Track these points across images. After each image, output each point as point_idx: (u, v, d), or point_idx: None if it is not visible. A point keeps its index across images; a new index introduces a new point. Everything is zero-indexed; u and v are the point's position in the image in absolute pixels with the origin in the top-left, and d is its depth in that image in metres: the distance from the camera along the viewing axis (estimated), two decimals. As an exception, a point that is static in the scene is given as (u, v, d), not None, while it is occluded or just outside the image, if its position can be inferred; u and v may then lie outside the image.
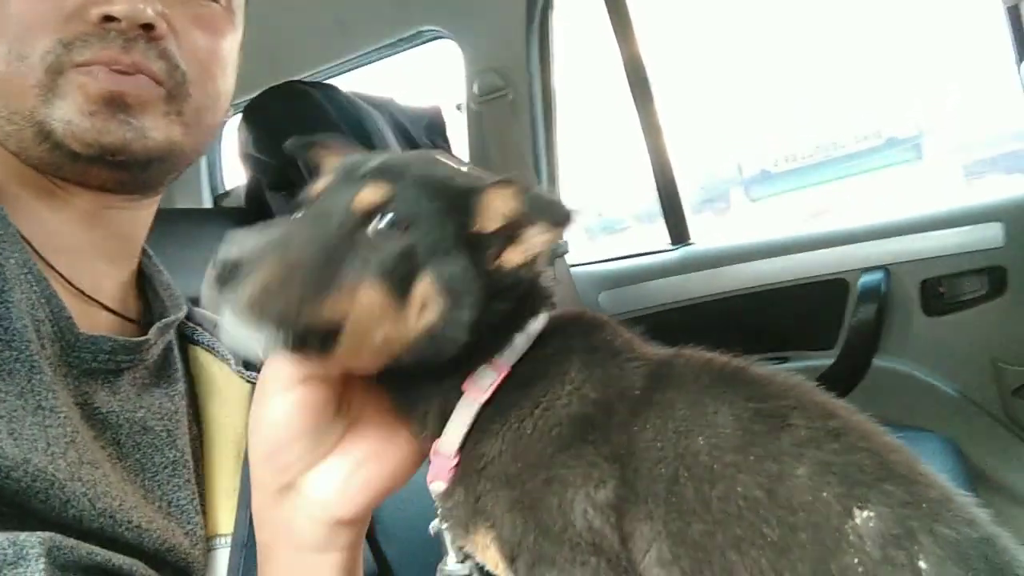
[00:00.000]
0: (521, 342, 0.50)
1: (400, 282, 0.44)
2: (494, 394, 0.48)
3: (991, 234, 1.50)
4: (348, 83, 1.94)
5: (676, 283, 1.76)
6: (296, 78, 1.86)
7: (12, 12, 0.56)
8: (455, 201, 0.46)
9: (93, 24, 0.56)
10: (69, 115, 0.55)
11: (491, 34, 1.81)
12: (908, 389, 1.57)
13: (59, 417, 0.50)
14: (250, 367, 0.71)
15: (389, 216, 0.44)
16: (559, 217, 0.45)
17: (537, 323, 0.51)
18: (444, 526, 0.51)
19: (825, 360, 1.63)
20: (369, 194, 0.45)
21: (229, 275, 0.40)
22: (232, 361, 0.70)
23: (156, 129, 0.59)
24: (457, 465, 0.48)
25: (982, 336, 1.54)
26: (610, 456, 0.45)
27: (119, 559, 0.48)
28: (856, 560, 0.39)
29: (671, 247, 1.86)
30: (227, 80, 0.67)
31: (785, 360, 1.68)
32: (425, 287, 0.44)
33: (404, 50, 1.92)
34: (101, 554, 0.47)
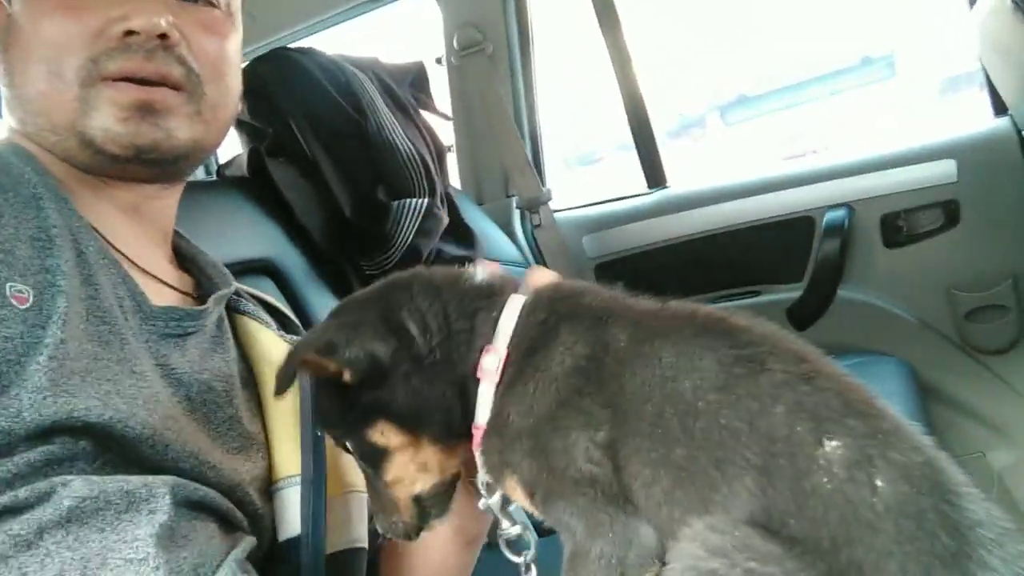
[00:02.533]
0: (507, 324, 0.59)
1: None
2: (503, 371, 0.58)
3: (945, 170, 1.60)
4: (328, 41, 1.97)
5: (654, 225, 1.85)
6: (277, 36, 1.90)
7: (43, 36, 0.65)
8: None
9: (116, 39, 0.65)
10: (106, 124, 0.65)
11: (468, -12, 1.85)
12: (870, 317, 1.69)
13: (147, 379, 0.60)
14: (289, 331, 0.81)
15: None
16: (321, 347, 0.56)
17: (513, 304, 0.60)
18: (487, 479, 0.61)
19: (794, 293, 1.74)
20: None
21: None
22: (275, 327, 0.80)
23: (180, 129, 0.68)
24: (486, 431, 0.58)
25: (938, 266, 1.65)
26: (603, 403, 0.53)
27: (212, 494, 0.59)
28: (825, 479, 0.45)
29: (648, 191, 1.95)
30: (235, 77, 0.76)
31: (757, 294, 1.78)
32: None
33: (384, 5, 1.95)
34: (201, 489, 0.58)
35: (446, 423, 0.60)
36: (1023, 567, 0.44)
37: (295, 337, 0.81)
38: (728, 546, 0.45)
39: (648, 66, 1.95)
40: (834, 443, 0.46)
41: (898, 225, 1.66)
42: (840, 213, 1.68)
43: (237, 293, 0.81)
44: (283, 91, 1.49)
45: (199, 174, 1.69)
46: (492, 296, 0.61)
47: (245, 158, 1.45)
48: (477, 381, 0.59)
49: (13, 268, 0.55)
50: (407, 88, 1.75)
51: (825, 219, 1.69)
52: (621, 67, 1.91)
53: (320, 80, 1.53)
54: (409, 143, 1.54)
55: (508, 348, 0.58)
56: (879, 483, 0.45)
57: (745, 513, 0.47)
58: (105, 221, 0.67)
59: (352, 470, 0.79)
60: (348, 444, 0.62)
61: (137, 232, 0.71)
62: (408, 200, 1.48)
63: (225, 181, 1.44)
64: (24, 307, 0.54)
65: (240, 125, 1.51)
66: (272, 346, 0.78)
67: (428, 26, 2.01)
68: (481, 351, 0.59)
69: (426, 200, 1.50)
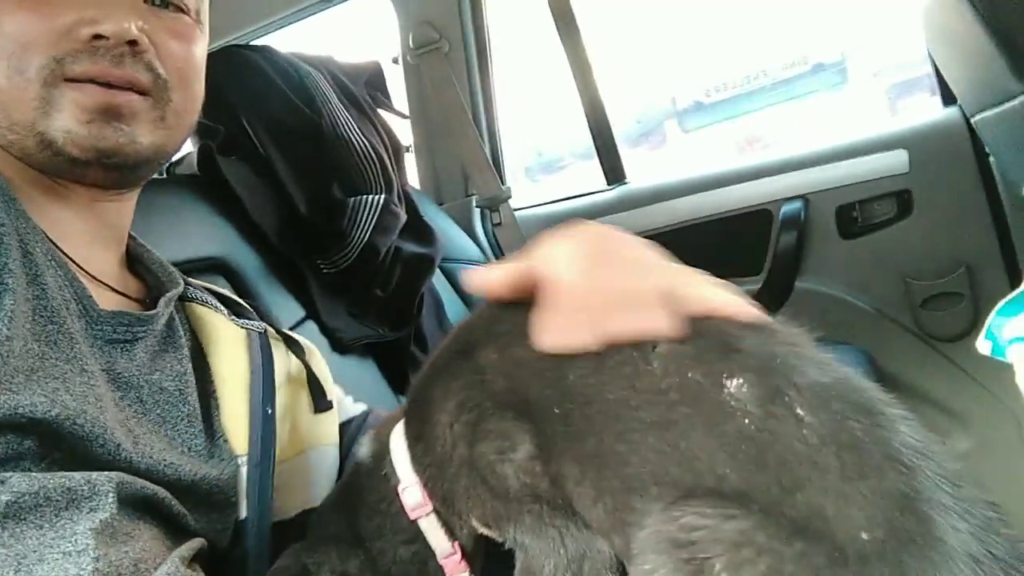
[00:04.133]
0: (400, 455, 0.60)
1: None
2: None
3: (898, 160, 1.62)
4: (283, 40, 1.95)
5: (614, 221, 1.84)
6: (231, 37, 1.87)
7: (7, 31, 0.62)
8: None
9: (84, 42, 0.62)
10: (68, 125, 0.62)
11: (422, -14, 1.84)
12: (828, 306, 1.71)
13: (97, 378, 0.58)
14: (241, 316, 0.80)
15: None
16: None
17: (395, 437, 0.61)
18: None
19: (753, 286, 1.75)
20: None
21: None
22: (225, 312, 0.79)
23: (144, 134, 0.66)
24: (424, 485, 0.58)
25: (893, 255, 1.67)
26: (515, 417, 0.51)
27: (163, 493, 0.56)
28: (747, 421, 0.42)
29: (608, 187, 1.95)
30: (200, 83, 0.75)
31: (717, 287, 1.78)
32: None
33: (336, 5, 1.94)
34: (150, 487, 0.55)
35: None
36: (978, 514, 0.39)
37: (247, 321, 0.80)
38: (690, 520, 0.41)
39: (604, 73, 1.97)
40: (736, 381, 0.43)
41: (853, 216, 1.68)
42: (796, 205, 1.69)
43: (186, 284, 0.79)
44: (235, 88, 1.47)
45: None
46: (381, 454, 0.62)
47: (196, 156, 1.42)
48: (417, 527, 0.59)
49: None
50: (363, 87, 1.73)
51: (782, 211, 1.71)
52: (580, 70, 1.91)
53: (273, 77, 1.51)
54: (364, 140, 1.52)
55: (415, 472, 0.58)
56: (800, 412, 0.41)
57: (671, 478, 0.44)
58: (56, 224, 0.65)
59: (311, 427, 0.78)
60: None
61: (90, 236, 0.69)
62: (364, 196, 1.46)
63: (175, 179, 1.41)
64: None
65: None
66: (223, 329, 0.77)
67: (383, 26, 2.00)
68: (398, 499, 0.59)
69: (383, 196, 1.48)
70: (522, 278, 0.54)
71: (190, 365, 0.71)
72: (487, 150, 1.94)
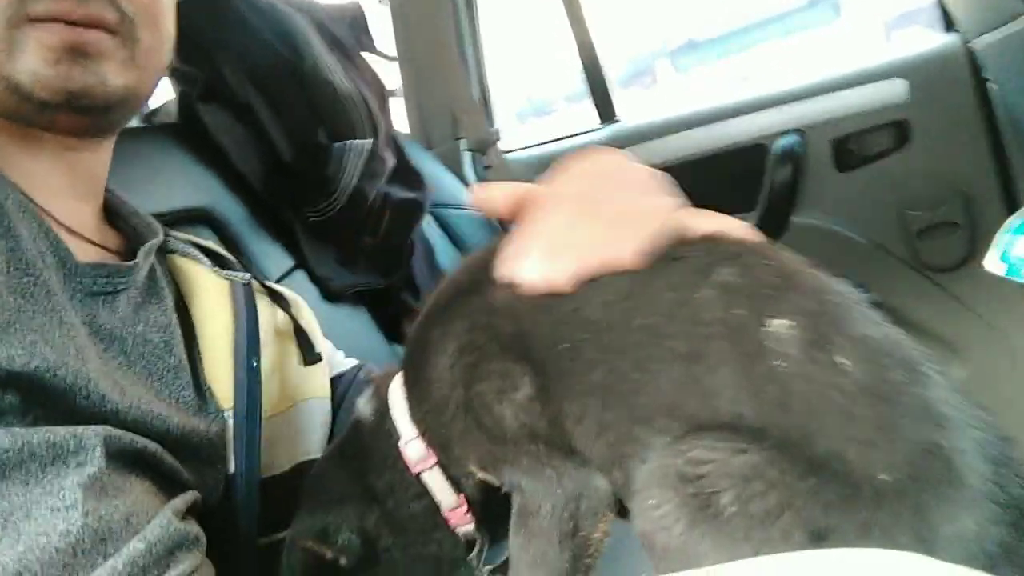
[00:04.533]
0: (400, 407, 0.59)
1: None
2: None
3: (896, 90, 1.59)
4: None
5: (606, 161, 1.82)
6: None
7: None
8: None
9: None
10: (35, 67, 0.59)
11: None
12: (824, 241, 1.69)
13: (78, 330, 0.56)
14: (224, 267, 0.78)
15: None
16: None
17: (393, 390, 0.60)
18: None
19: (749, 221, 1.72)
20: None
21: None
22: (208, 264, 0.77)
23: (114, 75, 0.63)
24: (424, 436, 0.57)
25: (889, 187, 1.65)
26: (516, 359, 0.50)
27: (153, 446, 0.55)
28: (780, 362, 0.40)
29: (599, 126, 1.91)
30: (170, 22, 0.71)
31: (712, 225, 1.76)
32: None
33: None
34: (140, 441, 0.54)
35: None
36: (1014, 475, 0.39)
37: (233, 272, 0.78)
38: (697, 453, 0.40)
39: (594, 12, 1.92)
40: (781, 321, 0.41)
41: (849, 148, 1.66)
42: (791, 139, 1.66)
43: (167, 235, 0.77)
44: (213, 33, 1.42)
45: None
46: (381, 410, 0.60)
47: (175, 104, 1.38)
48: (421, 481, 0.58)
49: None
50: (346, 29, 1.68)
51: (777, 145, 1.67)
52: (571, 7, 1.86)
53: (252, 20, 1.46)
54: (349, 83, 1.48)
55: (414, 422, 0.57)
56: (841, 360, 0.40)
57: (684, 411, 0.42)
58: (29, 176, 0.62)
59: (301, 380, 0.77)
60: None
61: (64, 187, 0.67)
62: (351, 141, 1.43)
63: (154, 128, 1.37)
64: None
65: (170, 71, 1.44)
66: (205, 281, 0.75)
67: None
68: (401, 456, 0.58)
69: (370, 141, 1.45)
70: (523, 198, 0.52)
71: (175, 316, 0.69)
72: (476, 91, 1.89)
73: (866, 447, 0.39)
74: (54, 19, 0.59)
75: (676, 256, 0.46)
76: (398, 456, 0.58)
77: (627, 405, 0.45)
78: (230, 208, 1.27)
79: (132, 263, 0.67)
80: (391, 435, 0.59)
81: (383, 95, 1.62)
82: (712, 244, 0.47)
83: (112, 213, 0.76)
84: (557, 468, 0.50)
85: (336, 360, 0.92)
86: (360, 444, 0.62)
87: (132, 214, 0.76)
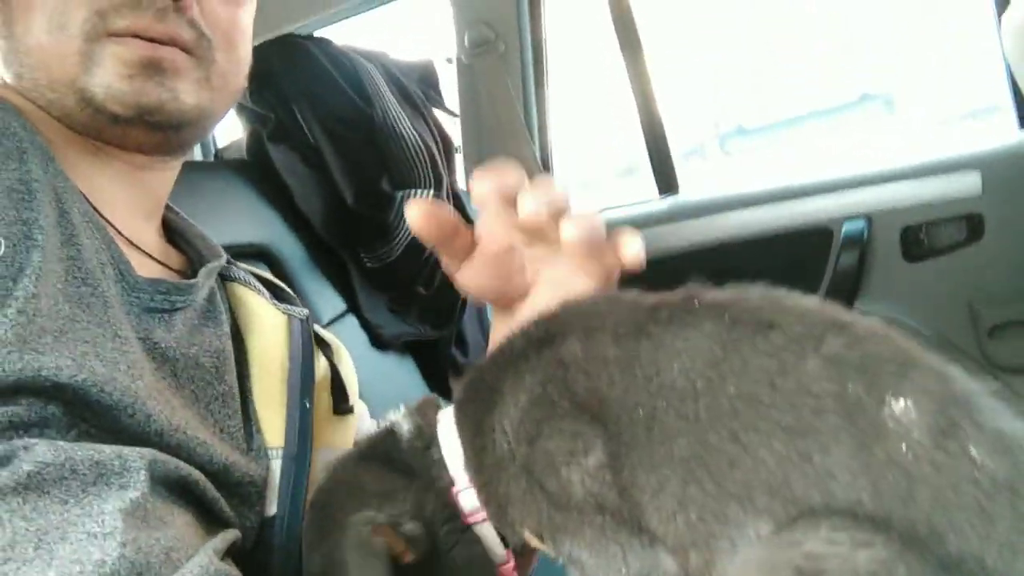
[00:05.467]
0: (452, 448, 0.53)
1: None
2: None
3: (969, 182, 1.55)
4: (338, 34, 1.93)
5: (666, 232, 1.79)
6: (288, 26, 1.85)
7: None
8: None
9: None
10: (109, 80, 0.59)
11: (481, -15, 1.82)
12: (888, 331, 1.63)
13: (132, 345, 0.53)
14: (282, 300, 0.76)
15: None
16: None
17: (443, 423, 0.55)
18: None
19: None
20: None
21: None
22: (267, 294, 0.75)
23: (188, 93, 0.63)
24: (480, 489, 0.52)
25: (959, 280, 1.59)
26: (590, 420, 0.46)
27: (197, 475, 0.52)
28: (904, 446, 0.36)
29: (660, 197, 1.89)
30: (247, 47, 0.71)
31: (771, 306, 1.72)
32: None
33: (392, 1, 1.92)
34: (185, 468, 0.50)
35: None
36: None
37: (292, 307, 0.75)
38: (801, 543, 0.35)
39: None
40: (904, 402, 0.36)
41: (919, 238, 1.61)
42: (859, 224, 1.62)
43: (229, 262, 0.75)
44: (288, 76, 1.45)
45: (196, 155, 1.64)
46: (423, 435, 0.55)
47: (245, 141, 1.40)
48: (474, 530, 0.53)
49: None
50: (416, 83, 1.71)
51: (843, 230, 1.63)
52: (637, 76, 1.87)
53: (326, 66, 1.49)
54: (416, 134, 1.50)
55: (467, 472, 0.52)
56: (975, 452, 0.35)
57: (791, 492, 0.37)
58: (96, 189, 0.61)
59: (328, 429, 0.74)
60: None
61: (129, 203, 0.66)
62: (413, 190, 1.43)
63: (223, 163, 1.39)
64: None
65: (241, 110, 1.47)
66: (263, 312, 0.73)
67: (438, 25, 1.98)
68: (455, 502, 0.53)
69: (431, 192, 1.45)
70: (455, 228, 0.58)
71: (230, 343, 0.67)
72: (538, 154, 1.89)
73: (1008, 551, 0.33)
74: (133, 35, 0.59)
75: (773, 325, 0.41)
76: (446, 494, 0.54)
77: (717, 480, 0.40)
78: (289, 247, 1.26)
79: (192, 281, 0.65)
80: (438, 466, 0.54)
81: (448, 148, 1.63)
82: (805, 312, 0.42)
83: (176, 234, 0.74)
84: (623, 545, 0.45)
85: (365, 421, 0.88)
86: (399, 458, 0.56)
87: (197, 237, 0.74)
